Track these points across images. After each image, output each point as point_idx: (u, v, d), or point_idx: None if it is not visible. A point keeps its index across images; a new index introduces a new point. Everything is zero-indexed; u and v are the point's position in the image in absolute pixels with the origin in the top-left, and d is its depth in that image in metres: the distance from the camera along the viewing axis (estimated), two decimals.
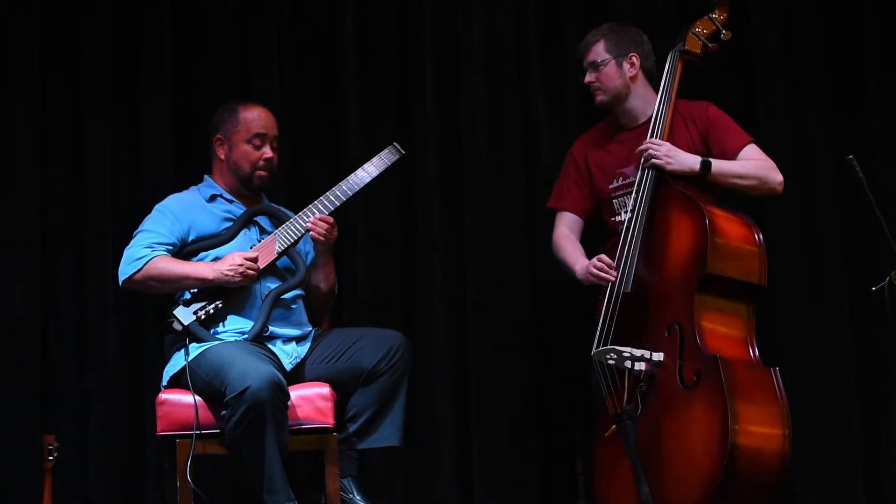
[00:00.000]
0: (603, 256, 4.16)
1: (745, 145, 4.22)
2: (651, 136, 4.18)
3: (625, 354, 4.01)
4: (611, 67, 4.30)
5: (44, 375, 4.69)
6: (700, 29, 4.28)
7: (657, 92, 4.29)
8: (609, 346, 4.04)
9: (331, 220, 4.14)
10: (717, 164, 4.15)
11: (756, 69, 5.03)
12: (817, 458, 4.86)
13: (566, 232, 4.40)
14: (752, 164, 4.20)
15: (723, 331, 4.01)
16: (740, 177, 4.17)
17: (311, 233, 4.13)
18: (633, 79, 4.31)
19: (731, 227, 4.05)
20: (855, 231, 5.01)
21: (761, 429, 3.88)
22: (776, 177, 4.21)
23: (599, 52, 4.31)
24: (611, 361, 4.04)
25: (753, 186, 4.21)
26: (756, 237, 4.08)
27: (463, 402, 4.89)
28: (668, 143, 4.16)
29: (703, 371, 3.89)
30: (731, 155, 4.21)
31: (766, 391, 3.93)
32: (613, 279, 4.10)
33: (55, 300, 4.74)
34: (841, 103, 5.06)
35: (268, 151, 4.18)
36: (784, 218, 4.97)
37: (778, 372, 3.97)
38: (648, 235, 4.11)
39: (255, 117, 4.19)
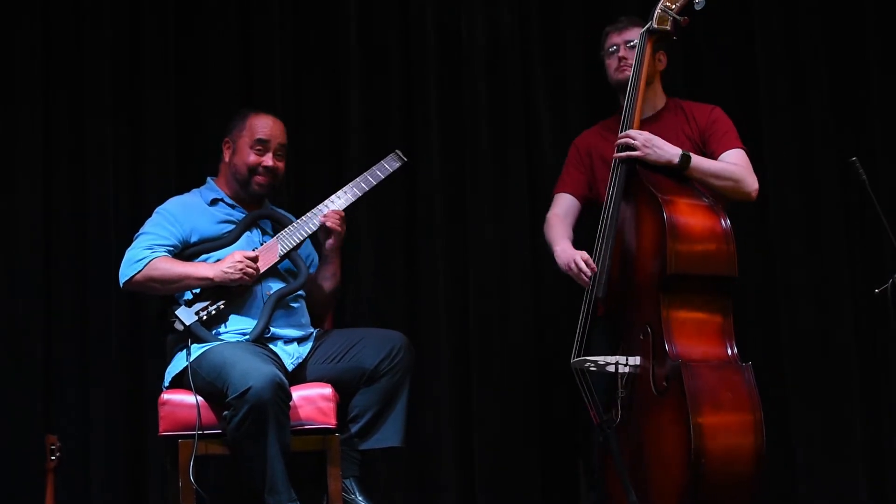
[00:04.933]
0: (587, 257, 4.09)
1: (732, 148, 4.18)
2: (622, 123, 4.15)
3: (600, 362, 3.98)
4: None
5: (46, 375, 4.70)
6: (668, 3, 4.15)
7: (666, 94, 4.31)
8: (583, 357, 3.99)
9: (342, 213, 4.15)
10: (697, 160, 4.09)
11: (759, 70, 5.03)
12: (820, 459, 4.86)
13: (559, 213, 4.36)
14: (731, 166, 4.14)
15: (693, 330, 3.92)
16: (717, 176, 4.10)
17: (327, 223, 4.12)
18: (660, 72, 4.29)
19: (694, 221, 3.95)
20: (858, 232, 5.01)
21: (730, 430, 3.79)
22: (752, 183, 4.15)
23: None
24: (592, 368, 4.00)
25: (728, 188, 4.13)
26: (722, 224, 3.95)
27: (465, 402, 4.89)
28: (647, 133, 4.09)
29: (670, 377, 3.83)
30: (718, 155, 4.17)
31: (736, 390, 3.84)
32: (586, 284, 4.07)
33: (58, 301, 4.75)
34: (844, 104, 5.05)
35: (268, 160, 4.17)
36: (787, 219, 4.97)
37: (750, 367, 3.87)
38: (622, 234, 4.05)
39: (261, 124, 4.19)
